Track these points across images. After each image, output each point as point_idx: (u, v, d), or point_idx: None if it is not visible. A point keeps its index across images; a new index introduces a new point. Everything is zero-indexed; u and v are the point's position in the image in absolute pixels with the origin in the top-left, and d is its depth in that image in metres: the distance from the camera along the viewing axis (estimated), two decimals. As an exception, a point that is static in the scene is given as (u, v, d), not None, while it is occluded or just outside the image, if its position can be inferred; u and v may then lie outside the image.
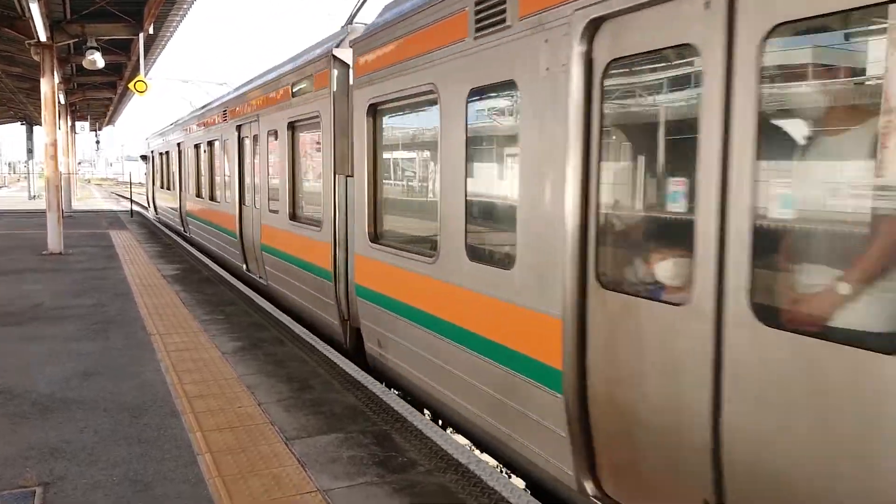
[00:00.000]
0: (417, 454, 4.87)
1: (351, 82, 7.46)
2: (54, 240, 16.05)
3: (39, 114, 17.14)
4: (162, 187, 25.32)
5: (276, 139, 10.18)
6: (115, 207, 37.78)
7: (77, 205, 35.41)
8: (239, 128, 12.53)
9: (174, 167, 21.36)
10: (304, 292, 9.14)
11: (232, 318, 9.24)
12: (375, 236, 6.90)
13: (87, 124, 48.96)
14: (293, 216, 9.65)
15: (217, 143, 14.63)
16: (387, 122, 6.96)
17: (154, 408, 5.75)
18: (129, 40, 19.87)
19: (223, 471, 4.56)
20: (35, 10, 13.70)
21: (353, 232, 7.37)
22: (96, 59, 17.67)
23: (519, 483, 4.83)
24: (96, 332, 8.31)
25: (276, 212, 10.23)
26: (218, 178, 14.89)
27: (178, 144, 20.18)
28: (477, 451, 5.33)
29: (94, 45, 17.61)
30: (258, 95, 11.27)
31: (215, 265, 14.36)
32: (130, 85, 19.35)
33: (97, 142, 63.53)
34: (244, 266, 12.53)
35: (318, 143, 8.55)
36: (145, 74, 19.07)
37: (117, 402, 5.90)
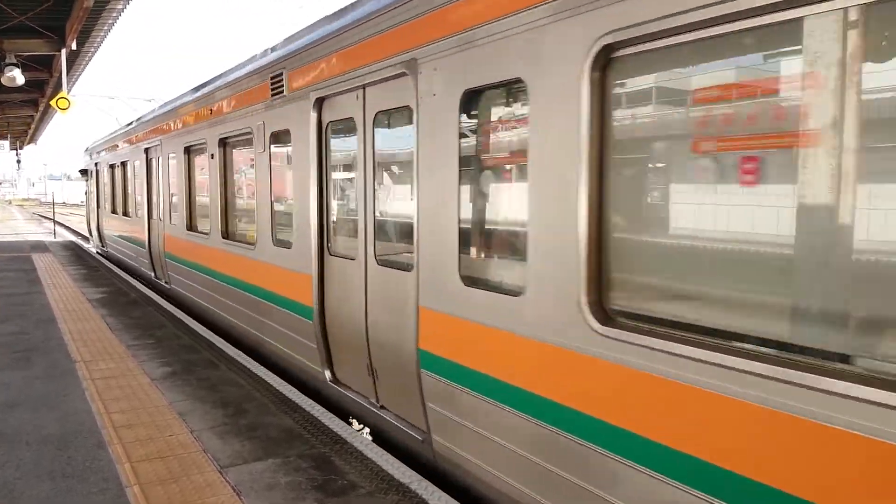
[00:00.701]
0: (358, 476, 4.78)
1: None
2: (-29, 264, 15.29)
3: (-46, 133, 16.39)
4: (114, 212, 18.32)
5: (546, 103, 3.83)
6: (37, 229, 36.31)
7: (-4, 227, 33.89)
8: (321, 105, 6.46)
9: (138, 184, 14.96)
10: None
11: (162, 341, 8.94)
12: None
13: (6, 143, 47.08)
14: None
15: (254, 143, 8.08)
16: None
17: (79, 439, 5.49)
18: (51, 56, 19.19)
19: (153, 503, 4.38)
20: (-52, 25, 13.12)
21: None
22: (16, 76, 16.97)
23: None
24: (17, 361, 7.92)
25: (512, 291, 4.16)
26: (243, 202, 9.18)
27: (147, 151, 14.04)
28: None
29: (14, 61, 16.93)
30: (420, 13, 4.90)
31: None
32: (53, 102, 18.64)
33: (18, 161, 61.13)
34: (327, 373, 6.64)
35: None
36: (68, 91, 18.45)
37: (40, 434, 5.61)
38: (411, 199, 5.07)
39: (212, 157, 9.75)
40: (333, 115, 6.34)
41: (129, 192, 16.12)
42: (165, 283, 13.03)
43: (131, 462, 5.03)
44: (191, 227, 11.18)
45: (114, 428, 5.73)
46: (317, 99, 6.47)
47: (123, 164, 16.79)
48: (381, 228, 5.81)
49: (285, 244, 7.33)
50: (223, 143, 9.43)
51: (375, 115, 5.65)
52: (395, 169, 5.94)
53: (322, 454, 5.17)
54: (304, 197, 6.76)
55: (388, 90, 5.43)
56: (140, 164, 14.64)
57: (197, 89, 11.07)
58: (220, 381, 7.13)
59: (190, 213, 11.28)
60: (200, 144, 10.37)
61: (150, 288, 13.83)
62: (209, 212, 9.98)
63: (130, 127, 16.25)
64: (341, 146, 6.52)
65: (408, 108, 5.15)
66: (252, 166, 8.39)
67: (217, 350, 8.45)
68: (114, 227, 18.59)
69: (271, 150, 7.70)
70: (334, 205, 6.60)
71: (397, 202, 5.81)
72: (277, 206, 7.72)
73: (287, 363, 7.56)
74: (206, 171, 10.25)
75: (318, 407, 6.23)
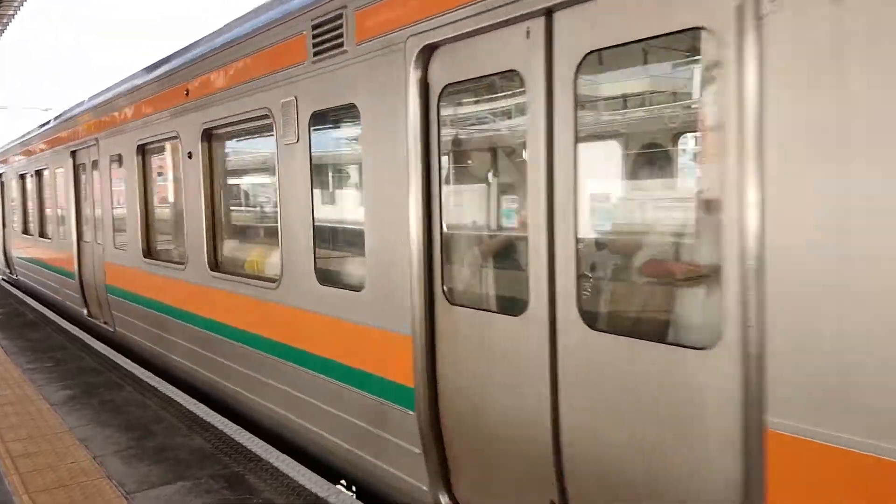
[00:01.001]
0: (273, 493, 4.67)
1: None
2: None
3: None
4: (27, 232, 15.25)
5: None
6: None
7: None
8: (429, 57, 3.98)
9: (61, 198, 12.12)
10: None
11: (62, 364, 8.51)
12: None
13: None
14: None
15: (275, 131, 5.40)
16: None
17: (-29, 472, 5.15)
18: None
19: (54, 535, 4.16)
20: None
21: None
22: None
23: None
24: None
25: None
26: (248, 218, 7.25)
27: (75, 154, 11.02)
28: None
29: None
30: None
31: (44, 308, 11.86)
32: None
33: None
34: (443, 497, 4.08)
35: None
36: (-48, 102, 17.40)
37: (-75, 469, 5.24)
38: (716, 206, 2.70)
39: (189, 157, 6.94)
40: (461, 73, 3.84)
41: (48, 207, 13.35)
42: (105, 323, 10.16)
43: (30, 493, 4.75)
44: (150, 253, 8.42)
45: (11, 458, 5.41)
46: (424, 47, 3.91)
47: (39, 172, 13.79)
48: (595, 259, 3.56)
49: (347, 283, 4.93)
50: (208, 135, 6.66)
51: (582, 58, 3.13)
52: (629, 151, 3.85)
53: (236, 473, 5.03)
54: (387, 207, 4.28)
55: (624, 7, 2.97)
56: (64, 171, 11.54)
57: (158, 65, 8.05)
58: (126, 402, 6.84)
59: (148, 233, 8.46)
60: (167, 139, 7.65)
61: (82, 328, 10.80)
62: (186, 232, 7.09)
63: (49, 126, 13.08)
64: (476, 122, 4.31)
65: (691, 34, 2.83)
66: (268, 165, 5.87)
67: (122, 371, 8.11)
68: (27, 250, 15.45)
69: (311, 139, 5.03)
70: (457, 218, 4.22)
71: (650, 209, 3.72)
72: (323, 224, 5.22)
73: (354, 467, 4.90)
74: (177, 176, 7.50)
75: (232, 425, 6.05)
